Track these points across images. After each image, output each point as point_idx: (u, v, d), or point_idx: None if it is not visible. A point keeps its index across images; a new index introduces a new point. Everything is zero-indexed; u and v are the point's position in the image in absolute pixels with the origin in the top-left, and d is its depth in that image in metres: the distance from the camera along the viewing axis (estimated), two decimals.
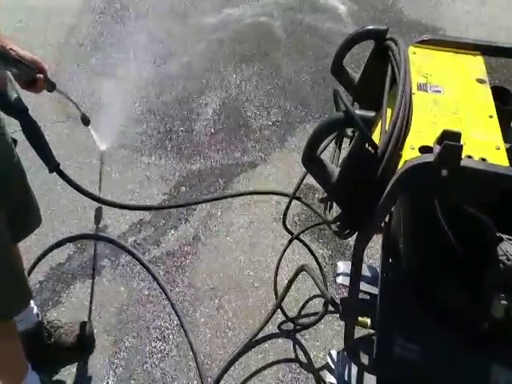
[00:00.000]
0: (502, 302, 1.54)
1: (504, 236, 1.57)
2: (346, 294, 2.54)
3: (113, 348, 2.40)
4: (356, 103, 1.84)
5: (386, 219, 2.13)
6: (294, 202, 2.90)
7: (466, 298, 1.68)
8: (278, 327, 2.48)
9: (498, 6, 5.14)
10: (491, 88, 1.64)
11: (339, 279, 2.34)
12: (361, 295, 2.30)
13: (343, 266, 2.37)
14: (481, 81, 1.64)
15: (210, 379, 2.27)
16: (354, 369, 2.00)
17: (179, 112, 3.82)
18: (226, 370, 2.29)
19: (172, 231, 2.97)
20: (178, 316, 2.52)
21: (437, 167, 1.27)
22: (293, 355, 2.37)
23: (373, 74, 1.67)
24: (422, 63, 1.72)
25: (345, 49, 1.76)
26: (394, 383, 1.86)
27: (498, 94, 1.64)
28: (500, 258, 1.53)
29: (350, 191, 1.49)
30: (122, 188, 3.21)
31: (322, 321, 2.43)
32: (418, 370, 1.74)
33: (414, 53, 1.78)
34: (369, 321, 1.88)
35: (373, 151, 1.42)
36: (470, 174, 1.29)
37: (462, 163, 1.27)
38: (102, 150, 3.43)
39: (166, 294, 2.61)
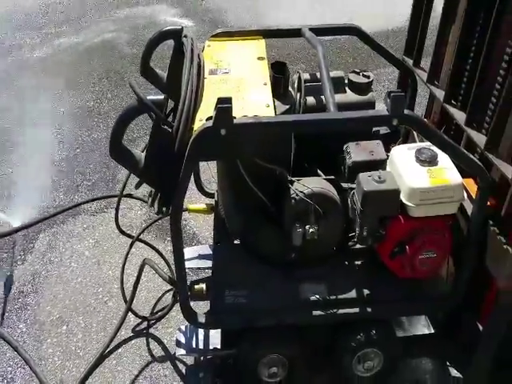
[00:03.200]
0: (299, 230, 1.90)
1: (294, 178, 1.95)
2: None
3: None
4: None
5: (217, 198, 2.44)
6: (134, 204, 3.01)
7: (276, 237, 2.01)
8: (132, 330, 2.56)
9: None
10: (272, 63, 2.09)
11: None
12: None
13: (186, 253, 2.56)
14: (260, 58, 2.08)
15: None
16: (201, 334, 2.19)
17: None
18: None
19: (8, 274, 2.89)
20: (19, 355, 2.45)
21: (216, 129, 1.61)
22: (146, 350, 2.47)
23: (177, 69, 1.94)
24: (214, 53, 2.12)
25: (150, 50, 2.06)
26: (235, 333, 2.10)
27: (278, 66, 2.08)
28: (292, 195, 1.90)
29: (158, 171, 1.76)
30: None
31: (175, 308, 2.59)
32: (248, 312, 2.01)
33: (209, 45, 2.17)
34: (204, 287, 2.11)
35: (170, 130, 1.71)
36: (242, 128, 1.65)
37: (235, 121, 1.62)
38: None
39: (3, 339, 2.53)
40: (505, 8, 1.80)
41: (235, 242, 2.23)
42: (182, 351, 2.22)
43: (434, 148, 1.83)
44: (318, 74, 2.02)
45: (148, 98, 1.63)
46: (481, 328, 2.08)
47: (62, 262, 2.97)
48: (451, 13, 2.14)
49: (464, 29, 2.01)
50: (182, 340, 2.22)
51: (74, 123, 4.14)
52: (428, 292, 2.08)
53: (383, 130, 2.21)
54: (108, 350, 2.45)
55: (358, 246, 2.09)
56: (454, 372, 2.28)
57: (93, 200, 3.34)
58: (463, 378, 2.26)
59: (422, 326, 2.28)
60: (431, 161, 1.81)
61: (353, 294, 2.05)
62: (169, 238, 3.07)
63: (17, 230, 3.12)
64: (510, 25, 1.80)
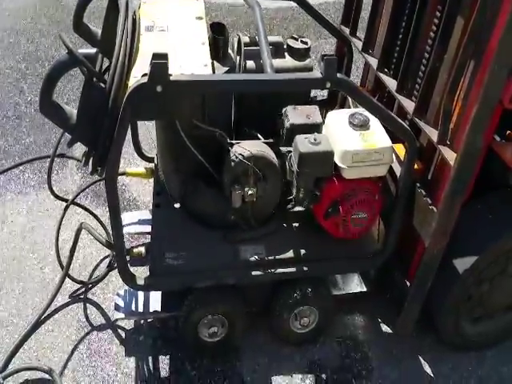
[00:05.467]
0: (238, 192, 1.99)
1: (234, 142, 2.03)
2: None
3: None
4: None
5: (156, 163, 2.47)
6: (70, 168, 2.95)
7: (216, 199, 2.09)
8: (69, 296, 2.59)
9: None
10: (211, 24, 2.11)
11: None
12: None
13: (125, 218, 2.59)
14: (199, 18, 2.10)
15: None
16: (140, 298, 2.26)
17: None
18: (13, 353, 2.30)
19: None
20: None
21: (152, 85, 1.62)
22: (84, 315, 2.52)
23: (112, 26, 1.92)
24: (151, 10, 2.11)
25: (83, 5, 2.02)
26: (175, 295, 2.17)
27: (217, 28, 2.10)
28: (232, 158, 1.97)
29: (91, 128, 1.76)
30: None
31: (113, 273, 2.63)
32: (188, 273, 2.10)
33: (145, 2, 2.15)
34: (143, 250, 2.16)
35: (103, 85, 1.70)
36: (179, 85, 1.68)
37: (172, 78, 1.64)
38: None
39: None
40: None
41: (175, 205, 2.29)
42: (121, 315, 2.28)
43: (367, 113, 1.96)
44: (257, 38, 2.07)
45: (79, 51, 1.62)
46: (408, 284, 2.28)
47: None
48: None
49: (396, 0, 2.13)
50: (121, 304, 2.28)
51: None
52: (360, 250, 2.26)
53: (320, 96, 2.32)
54: (44, 315, 2.46)
55: (296, 208, 2.20)
56: (384, 327, 2.50)
57: (22, 163, 3.17)
58: (392, 331, 2.48)
59: (356, 285, 2.47)
60: (363, 125, 1.94)
61: (290, 253, 2.19)
62: (107, 204, 3.06)
63: None
64: None
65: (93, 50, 1.69)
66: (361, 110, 1.98)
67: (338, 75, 1.69)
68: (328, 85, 1.70)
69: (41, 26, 4.75)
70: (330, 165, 1.95)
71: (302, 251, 2.20)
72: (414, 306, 2.26)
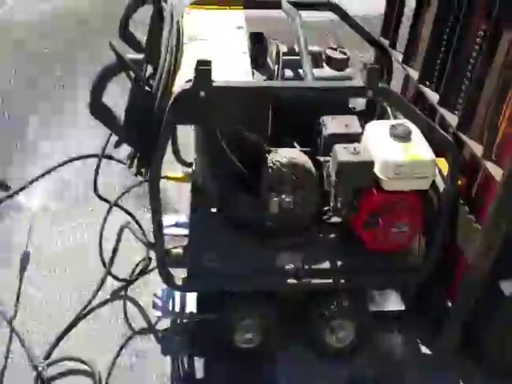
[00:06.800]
0: (275, 199, 2.03)
1: (272, 148, 2.09)
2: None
3: None
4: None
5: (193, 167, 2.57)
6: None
7: (253, 206, 2.14)
8: (111, 293, 2.70)
9: None
10: (250, 33, 2.20)
11: None
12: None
13: (166, 220, 2.67)
14: (239, 27, 2.20)
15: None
16: (177, 297, 2.36)
17: None
18: (56, 343, 2.43)
19: None
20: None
21: (195, 90, 1.72)
22: (123, 311, 2.62)
23: (156, 34, 2.04)
24: (193, 20, 2.24)
25: (128, 15, 2.16)
26: (210, 295, 2.23)
27: (256, 37, 2.21)
28: (269, 165, 2.03)
29: (137, 131, 1.88)
30: None
31: (152, 273, 2.72)
32: (224, 276, 2.16)
33: (188, 13, 2.28)
34: (181, 251, 2.24)
35: (149, 90, 1.81)
36: (222, 91, 1.77)
37: (215, 84, 1.74)
38: None
39: None
40: None
41: (212, 209, 2.36)
42: (159, 313, 2.38)
43: (409, 124, 1.96)
44: (296, 48, 2.13)
45: (127, 56, 1.74)
46: (450, 305, 2.23)
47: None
48: None
49: (439, 12, 2.14)
50: (159, 303, 2.38)
51: None
52: (399, 265, 2.23)
53: (359, 107, 2.34)
54: (87, 310, 2.58)
55: (333, 219, 2.22)
56: (423, 348, 2.44)
57: (70, 161, 3.20)
58: (431, 353, 2.41)
59: (394, 302, 2.44)
60: (405, 136, 1.95)
61: (326, 264, 2.20)
62: (146, 207, 3.10)
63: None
64: (482, 9, 1.92)
65: (140, 56, 1.80)
66: (402, 121, 1.98)
67: (381, 84, 1.72)
68: (370, 94, 1.73)
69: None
70: (370, 175, 1.96)
71: (339, 263, 2.20)
72: (454, 327, 2.21)
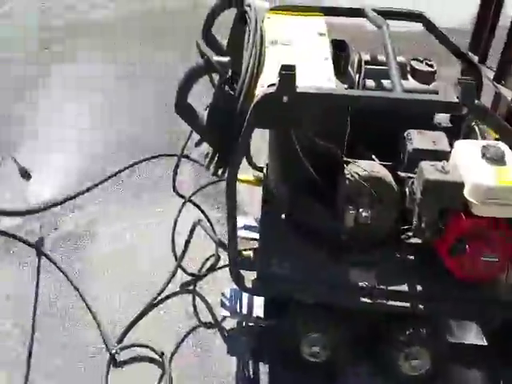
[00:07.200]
0: (351, 212, 1.96)
1: (350, 160, 2.02)
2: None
3: None
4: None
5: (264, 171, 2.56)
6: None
7: (327, 216, 2.08)
8: (181, 285, 2.76)
9: None
10: (332, 40, 2.15)
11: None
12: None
13: (241, 221, 2.69)
14: (321, 34, 2.15)
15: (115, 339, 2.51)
16: (245, 299, 2.36)
17: None
18: (127, 330, 2.54)
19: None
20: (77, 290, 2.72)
21: (278, 95, 1.70)
22: (192, 306, 2.65)
23: (239, 37, 2.04)
24: (275, 25, 2.21)
25: (212, 18, 2.18)
26: (277, 302, 2.20)
27: (338, 44, 2.14)
28: (348, 176, 1.96)
29: (218, 131, 1.90)
30: None
31: (220, 271, 2.76)
32: (293, 284, 2.11)
33: (269, 17, 2.26)
34: (251, 254, 2.25)
35: (232, 92, 1.82)
36: (305, 97, 1.74)
37: (299, 89, 1.71)
38: None
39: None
40: None
41: (282, 215, 2.32)
42: (227, 313, 2.40)
43: (501, 146, 1.79)
44: (379, 57, 2.05)
45: (214, 58, 1.75)
46: None
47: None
48: None
49: None
50: (227, 302, 2.40)
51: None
52: (484, 295, 2.05)
53: (444, 123, 2.18)
54: (157, 300, 2.67)
55: (411, 240, 2.09)
56: None
57: (147, 159, 3.40)
58: None
59: (474, 335, 2.26)
60: (499, 159, 1.78)
61: (404, 287, 2.07)
62: (216, 205, 3.20)
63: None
64: None
65: (226, 59, 1.81)
66: (494, 142, 1.82)
67: (477, 102, 1.58)
68: (465, 111, 1.61)
69: None
70: (459, 197, 1.81)
71: (419, 287, 2.07)
72: None
